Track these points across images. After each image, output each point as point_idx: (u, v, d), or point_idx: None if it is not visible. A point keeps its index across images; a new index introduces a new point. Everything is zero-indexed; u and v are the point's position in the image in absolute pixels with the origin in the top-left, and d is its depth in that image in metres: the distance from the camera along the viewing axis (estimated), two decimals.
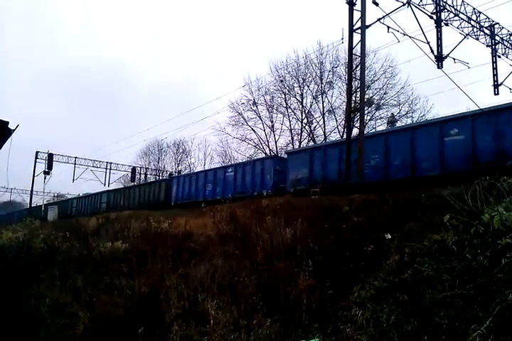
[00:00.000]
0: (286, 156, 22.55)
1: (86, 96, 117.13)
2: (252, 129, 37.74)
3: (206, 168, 40.48)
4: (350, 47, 16.34)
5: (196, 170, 40.66)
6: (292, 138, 36.31)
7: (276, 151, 35.00)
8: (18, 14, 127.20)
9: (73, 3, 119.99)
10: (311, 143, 33.51)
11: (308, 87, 35.45)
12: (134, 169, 51.41)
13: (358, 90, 16.29)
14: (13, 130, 7.34)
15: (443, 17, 19.05)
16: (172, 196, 29.78)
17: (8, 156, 8.99)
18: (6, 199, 73.54)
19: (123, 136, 72.92)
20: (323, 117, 34.82)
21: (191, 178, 28.83)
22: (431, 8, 18.51)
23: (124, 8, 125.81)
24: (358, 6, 16.00)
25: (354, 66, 16.42)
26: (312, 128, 35.61)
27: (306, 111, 35.58)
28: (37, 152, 45.24)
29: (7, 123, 7.14)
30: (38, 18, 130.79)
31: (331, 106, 34.47)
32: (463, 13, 19.78)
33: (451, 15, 19.41)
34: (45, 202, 51.21)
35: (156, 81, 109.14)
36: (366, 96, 24.70)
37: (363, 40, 15.75)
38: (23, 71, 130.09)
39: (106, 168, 49.38)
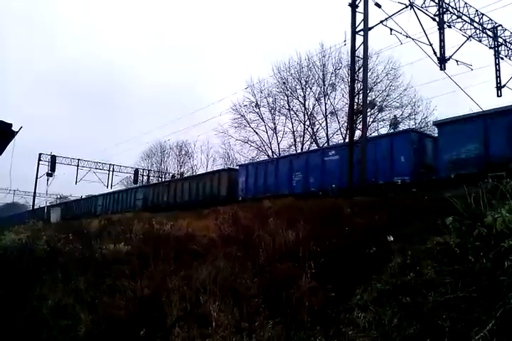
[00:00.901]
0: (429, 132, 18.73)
1: (86, 97, 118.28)
2: (255, 131, 37.91)
3: (209, 169, 40.41)
4: (353, 50, 16.37)
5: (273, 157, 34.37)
6: (295, 140, 36.43)
7: (279, 153, 34.98)
8: (18, 15, 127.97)
9: (73, 5, 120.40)
10: (314, 146, 33.51)
11: (310, 89, 35.60)
12: (136, 171, 51.51)
13: (361, 92, 16.34)
14: (17, 132, 7.36)
15: (446, 19, 19.10)
16: (239, 189, 24.76)
17: (12, 158, 9.02)
18: (9, 201, 73.80)
19: (125, 137, 73.25)
20: (326, 119, 34.94)
21: (267, 166, 23.57)
22: (433, 10, 18.60)
23: (125, 9, 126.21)
24: (360, 8, 16.07)
25: (357, 68, 16.44)
26: (315, 130, 35.75)
27: (309, 113, 35.72)
28: (40, 154, 45.46)
29: (10, 125, 7.15)
30: (37, 19, 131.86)
31: (334, 108, 34.62)
32: (466, 15, 19.81)
33: (454, 17, 19.46)
34: (48, 204, 51.38)
35: (156, 82, 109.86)
36: (369, 99, 24.68)
37: (365, 42, 15.77)
38: (23, 72, 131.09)
39: (109, 170, 49.59)
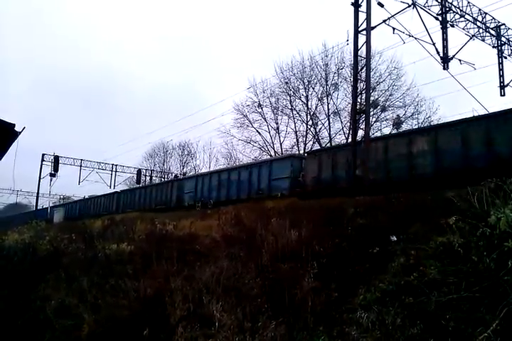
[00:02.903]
0: None
1: (87, 98, 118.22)
2: (257, 131, 37.87)
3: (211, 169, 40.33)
4: (356, 49, 16.33)
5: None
6: (297, 140, 36.37)
7: (281, 153, 34.99)
8: (17, 16, 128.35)
9: (72, 6, 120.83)
10: (317, 146, 33.53)
11: (313, 88, 35.53)
12: (139, 171, 51.54)
13: (364, 92, 16.29)
14: (20, 132, 7.38)
15: (449, 18, 19.06)
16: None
17: (15, 158, 9.04)
18: (12, 201, 74.01)
19: (127, 138, 73.33)
20: (329, 119, 34.85)
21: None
22: (436, 9, 18.55)
23: (124, 10, 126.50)
24: (363, 8, 16.01)
25: (359, 68, 16.41)
26: (317, 130, 35.67)
27: (311, 113, 35.64)
28: (43, 154, 45.53)
29: (13, 125, 7.18)
30: (38, 20, 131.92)
31: (336, 108, 34.53)
32: (469, 14, 19.75)
33: (457, 16, 19.41)
34: (51, 204, 51.53)
35: (157, 83, 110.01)
36: (372, 98, 24.68)
37: (368, 42, 15.72)
38: (24, 73, 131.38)
39: (111, 170, 49.60)
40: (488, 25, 20.77)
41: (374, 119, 31.41)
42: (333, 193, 14.78)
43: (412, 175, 14.90)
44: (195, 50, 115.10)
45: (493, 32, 21.08)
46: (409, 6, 17.05)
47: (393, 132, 27.76)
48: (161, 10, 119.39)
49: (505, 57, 21.93)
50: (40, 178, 45.16)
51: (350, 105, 27.89)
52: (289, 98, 36.39)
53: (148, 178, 52.82)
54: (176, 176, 46.67)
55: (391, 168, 15.74)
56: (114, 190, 45.15)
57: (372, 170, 15.46)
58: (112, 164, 49.74)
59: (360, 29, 16.08)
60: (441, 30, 18.74)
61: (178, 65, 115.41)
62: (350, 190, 14.57)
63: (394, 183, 14.55)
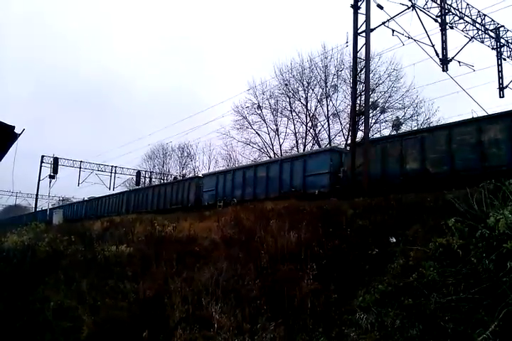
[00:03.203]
0: None
1: (86, 100, 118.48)
2: (257, 133, 37.83)
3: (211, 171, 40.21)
4: (355, 51, 16.35)
5: None
6: (297, 142, 36.33)
7: (281, 155, 35.01)
8: (18, 18, 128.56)
9: (71, 7, 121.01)
10: (316, 147, 33.53)
11: (312, 90, 35.51)
12: (138, 173, 51.52)
13: (363, 93, 16.29)
14: (19, 134, 7.38)
15: (448, 20, 19.09)
16: None
17: (14, 160, 9.03)
18: (11, 203, 73.97)
19: (126, 140, 73.34)
20: (328, 120, 34.81)
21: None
22: (436, 11, 18.59)
23: (124, 11, 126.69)
24: (362, 10, 16.02)
25: (359, 69, 16.43)
26: (317, 132, 35.63)
27: (311, 115, 35.62)
28: (42, 156, 45.53)
29: (13, 127, 7.17)
30: (37, 21, 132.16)
31: (336, 110, 34.50)
32: (468, 16, 19.78)
33: (456, 18, 19.43)
34: (50, 206, 51.47)
35: (156, 85, 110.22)
36: (371, 100, 24.68)
37: (367, 44, 15.75)
38: (23, 75, 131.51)
39: (111, 172, 49.58)
40: (487, 26, 20.81)
41: (373, 121, 31.41)
42: (385, 190, 13.12)
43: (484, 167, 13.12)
44: (194, 53, 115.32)
45: (492, 34, 21.11)
46: (409, 8, 17.08)
47: (392, 133, 27.71)
48: (160, 11, 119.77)
49: (505, 59, 21.97)
50: (39, 180, 45.15)
51: (349, 107, 27.93)
52: (288, 99, 36.40)
53: (147, 180, 52.78)
54: (175, 178, 46.62)
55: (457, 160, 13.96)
56: (125, 189, 45.24)
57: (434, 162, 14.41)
58: (112, 166, 49.75)
59: (359, 31, 16.09)
60: (440, 32, 18.79)
61: (176, 67, 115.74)
62: (403, 186, 13.73)
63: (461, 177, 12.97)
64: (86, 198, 46.92)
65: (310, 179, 18.77)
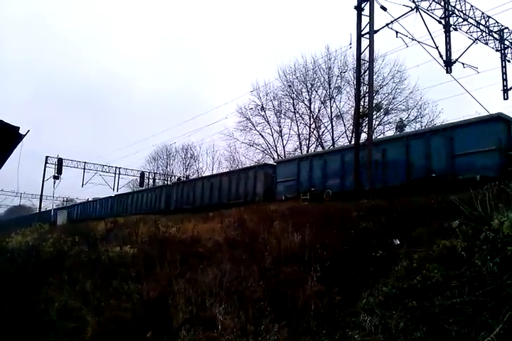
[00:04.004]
0: None
1: (87, 101, 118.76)
2: (260, 134, 37.85)
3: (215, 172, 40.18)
4: (359, 53, 16.34)
5: None
6: (300, 143, 36.36)
7: (284, 156, 35.00)
8: (18, 20, 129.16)
9: (70, 9, 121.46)
10: (319, 149, 33.51)
11: (316, 92, 35.56)
12: (142, 174, 51.65)
13: (367, 95, 16.26)
14: (24, 135, 7.41)
15: (452, 22, 19.05)
16: None
17: (19, 161, 9.08)
18: (15, 204, 74.21)
19: (130, 141, 73.57)
20: (332, 122, 34.85)
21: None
22: (439, 13, 18.55)
23: (123, 13, 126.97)
24: (366, 11, 16.01)
25: (362, 71, 16.41)
26: (320, 133, 35.67)
27: (314, 116, 35.66)
28: (47, 157, 45.64)
29: (18, 128, 7.21)
30: (37, 22, 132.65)
31: (339, 111, 34.53)
32: (472, 18, 19.74)
33: (460, 19, 19.40)
34: (54, 207, 51.58)
35: (158, 87, 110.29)
36: (375, 101, 24.65)
37: (371, 45, 15.74)
38: (25, 77, 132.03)
39: (115, 173, 49.69)
40: (491, 28, 20.75)
41: (377, 122, 31.45)
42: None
43: None
44: (194, 54, 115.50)
45: (496, 35, 21.05)
46: (412, 9, 17.07)
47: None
48: (161, 12, 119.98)
49: (509, 61, 21.91)
50: (43, 181, 45.27)
51: (353, 108, 27.99)
52: (292, 101, 36.45)
53: (151, 181, 52.84)
54: (179, 179, 46.63)
55: None
56: (164, 183, 44.78)
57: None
58: (115, 167, 49.86)
59: (363, 33, 16.09)
60: (444, 34, 18.74)
61: (176, 68, 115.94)
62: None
63: None
64: (90, 199, 47.00)
65: (463, 160, 14.01)
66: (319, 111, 35.64)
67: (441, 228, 7.18)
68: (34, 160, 44.56)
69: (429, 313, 5.10)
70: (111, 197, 41.47)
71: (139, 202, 34.54)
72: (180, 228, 13.42)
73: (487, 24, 20.52)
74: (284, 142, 37.40)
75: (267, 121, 37.50)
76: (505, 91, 22.00)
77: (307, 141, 36.01)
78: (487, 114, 15.01)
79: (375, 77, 24.33)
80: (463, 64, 19.61)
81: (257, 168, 23.90)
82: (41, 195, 47.76)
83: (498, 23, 20.85)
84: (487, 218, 6.06)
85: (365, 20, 16.05)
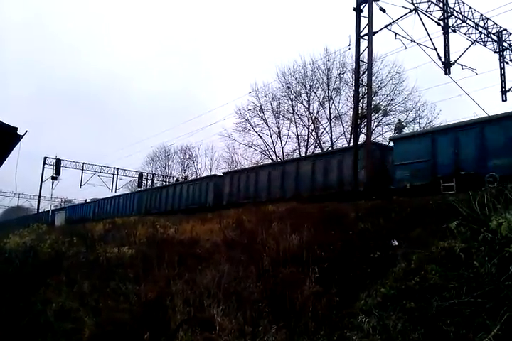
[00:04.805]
0: None
1: (87, 103, 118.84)
2: (259, 135, 37.80)
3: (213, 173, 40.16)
4: (357, 54, 16.36)
5: None
6: (299, 145, 36.32)
7: (283, 157, 35.00)
8: (18, 23, 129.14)
9: (70, 11, 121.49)
10: (318, 150, 33.52)
11: (315, 93, 35.54)
12: (140, 175, 51.61)
13: (365, 96, 16.28)
14: (22, 136, 7.39)
15: (450, 23, 19.08)
16: None
17: (17, 162, 9.05)
18: (14, 205, 74.05)
19: (128, 142, 73.61)
20: (330, 123, 34.82)
21: None
22: (438, 14, 18.57)
23: (123, 14, 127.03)
24: (365, 13, 16.04)
25: (361, 72, 16.43)
26: (319, 135, 35.62)
27: (313, 118, 35.61)
28: (45, 158, 45.61)
29: (16, 129, 7.19)
30: (37, 25, 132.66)
31: (338, 113, 34.49)
32: (470, 20, 19.79)
33: (459, 21, 19.44)
34: (52, 208, 51.50)
35: (157, 88, 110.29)
36: (373, 103, 24.67)
37: (369, 47, 15.77)
38: (24, 78, 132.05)
39: (113, 174, 49.62)
40: (489, 30, 20.80)
41: (375, 124, 31.38)
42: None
43: None
44: (195, 55, 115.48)
45: (494, 37, 21.10)
46: (411, 11, 17.10)
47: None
48: (160, 13, 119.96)
49: (507, 63, 21.97)
50: (41, 181, 45.24)
51: (351, 110, 27.99)
52: (290, 102, 36.42)
53: (149, 182, 52.80)
54: (177, 180, 46.58)
55: None
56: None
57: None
58: (114, 167, 49.77)
59: (362, 34, 16.12)
60: (442, 35, 18.77)
61: (178, 69, 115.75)
62: None
63: None
64: (88, 200, 46.92)
65: None
66: (318, 112, 35.64)
67: (439, 229, 7.18)
68: (32, 160, 44.56)
69: (427, 314, 5.10)
70: (139, 191, 37.86)
71: (181, 195, 27.89)
72: (178, 229, 13.41)
73: (486, 26, 20.58)
74: (283, 143, 37.39)
75: (266, 122, 37.49)
76: (504, 92, 22.05)
77: (306, 142, 36.00)
78: (485, 115, 14.96)
79: (373, 78, 24.34)
80: (461, 65, 19.65)
81: (348, 151, 17.64)
82: (39, 196, 47.73)
83: (496, 24, 20.91)
84: (485, 219, 6.07)
85: (364, 21, 16.09)
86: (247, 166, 33.86)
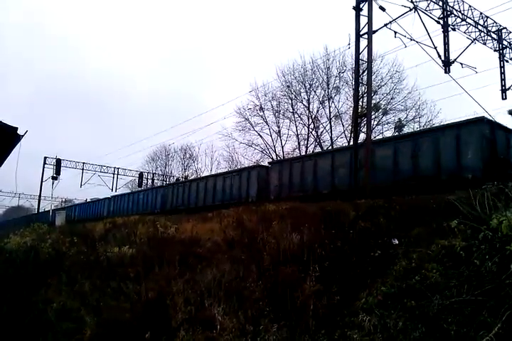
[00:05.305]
0: None
1: (87, 103, 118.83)
2: (259, 134, 37.76)
3: (213, 172, 40.08)
4: (357, 53, 16.32)
5: None
6: (299, 144, 36.29)
7: (283, 156, 34.98)
8: (17, 24, 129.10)
9: (70, 12, 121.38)
10: (318, 149, 33.50)
11: (314, 92, 35.49)
12: (141, 174, 51.60)
13: (365, 95, 16.25)
14: (22, 136, 7.40)
15: (450, 22, 19.03)
16: None
17: (17, 162, 9.06)
18: (14, 205, 74.07)
19: (128, 142, 73.63)
20: (330, 122, 34.78)
21: None
22: (438, 13, 18.51)
23: (122, 14, 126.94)
24: (364, 12, 15.98)
25: (361, 71, 16.39)
26: (319, 134, 35.59)
27: (313, 117, 35.57)
28: (45, 157, 45.54)
29: (16, 129, 7.19)
30: (37, 25, 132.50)
31: (338, 112, 34.44)
32: (470, 18, 19.74)
33: (459, 19, 19.38)
34: (53, 207, 51.52)
35: (157, 88, 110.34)
36: (373, 102, 24.65)
37: (369, 46, 15.73)
38: (25, 78, 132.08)
39: (113, 174, 49.59)
40: (489, 28, 20.75)
41: (375, 123, 31.38)
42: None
43: None
44: (195, 55, 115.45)
45: (494, 35, 21.05)
46: (411, 9, 17.05)
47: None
48: (159, 14, 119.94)
49: (507, 61, 21.91)
50: (42, 181, 45.20)
51: (351, 108, 27.98)
52: (290, 101, 36.38)
53: (150, 181, 52.80)
54: (177, 179, 46.55)
55: None
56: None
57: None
58: (114, 167, 49.75)
59: (361, 33, 16.07)
60: (442, 34, 18.73)
61: (177, 69, 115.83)
62: None
63: None
64: (89, 199, 46.93)
65: None
66: (318, 111, 35.60)
67: (440, 228, 7.17)
68: (32, 160, 44.54)
69: (428, 313, 5.10)
70: (162, 186, 35.05)
71: (215, 189, 24.89)
72: (179, 228, 13.41)
73: (485, 24, 20.53)
74: (283, 142, 37.37)
75: (266, 122, 37.45)
76: (504, 91, 22.00)
77: (306, 141, 35.98)
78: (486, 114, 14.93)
79: (373, 77, 24.28)
80: (461, 64, 19.60)
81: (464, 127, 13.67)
82: (40, 196, 47.70)
83: (496, 23, 20.86)
84: (486, 218, 6.07)
85: (363, 20, 16.03)
86: (246, 165, 33.86)
